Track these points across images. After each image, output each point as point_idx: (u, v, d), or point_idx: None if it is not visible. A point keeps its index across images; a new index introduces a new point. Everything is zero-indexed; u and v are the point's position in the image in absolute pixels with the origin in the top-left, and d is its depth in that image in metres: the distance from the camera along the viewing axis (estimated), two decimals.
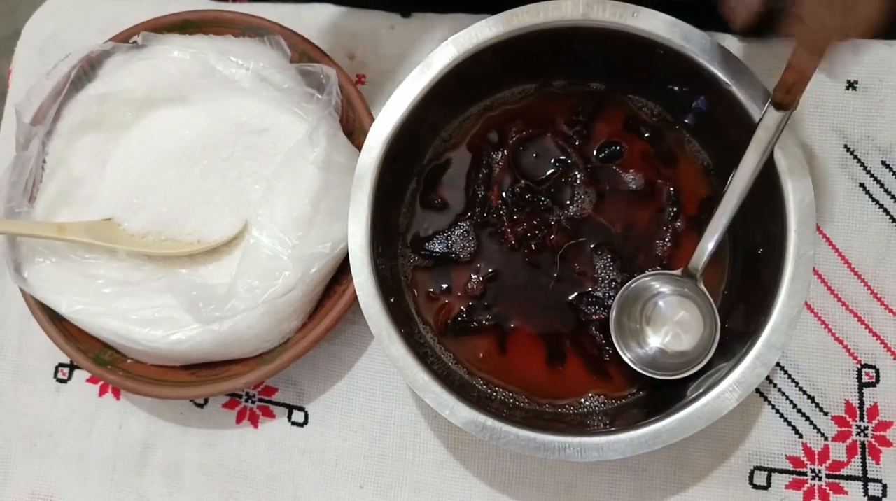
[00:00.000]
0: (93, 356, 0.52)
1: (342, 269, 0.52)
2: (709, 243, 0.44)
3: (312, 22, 0.60)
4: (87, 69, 0.53)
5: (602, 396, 0.48)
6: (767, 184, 0.44)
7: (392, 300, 0.47)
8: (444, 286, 0.51)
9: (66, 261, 0.51)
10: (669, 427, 0.42)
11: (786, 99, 0.41)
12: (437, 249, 0.51)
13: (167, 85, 0.52)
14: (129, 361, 0.52)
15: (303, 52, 0.54)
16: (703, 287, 0.46)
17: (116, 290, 0.50)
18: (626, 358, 0.47)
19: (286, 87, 0.52)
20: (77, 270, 0.51)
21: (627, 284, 0.48)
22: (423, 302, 0.51)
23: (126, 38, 0.54)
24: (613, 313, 0.47)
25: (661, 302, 0.47)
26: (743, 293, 0.47)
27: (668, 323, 0.47)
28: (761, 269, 0.45)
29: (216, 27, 0.55)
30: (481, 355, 0.50)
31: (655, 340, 0.47)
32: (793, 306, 0.42)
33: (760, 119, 0.42)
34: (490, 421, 0.43)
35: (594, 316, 0.49)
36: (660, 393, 0.47)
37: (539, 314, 0.50)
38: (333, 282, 0.52)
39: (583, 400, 0.48)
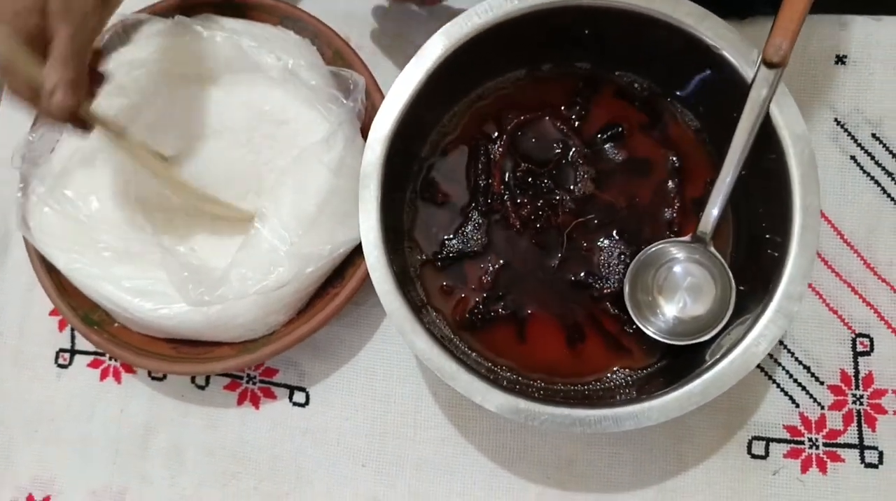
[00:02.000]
0: (82, 314, 0.52)
1: (338, 272, 0.52)
2: (715, 205, 0.45)
3: (306, 5, 0.60)
4: (121, 33, 0.53)
5: (626, 369, 0.49)
6: (766, 144, 0.44)
7: (408, 294, 0.47)
8: (457, 280, 0.51)
9: (72, 222, 0.52)
10: (701, 387, 0.42)
11: (776, 56, 0.42)
12: (451, 251, 0.51)
13: (197, 62, 0.53)
14: (116, 325, 0.53)
15: (336, 51, 0.54)
16: (713, 250, 0.47)
17: (116, 257, 0.51)
18: (646, 328, 0.47)
19: (313, 85, 0.52)
20: (81, 231, 0.52)
21: (639, 255, 0.48)
22: (437, 296, 0.51)
23: (163, 12, 0.54)
24: (627, 287, 0.48)
25: (671, 270, 0.48)
26: (751, 252, 0.48)
27: (679, 290, 0.48)
28: (768, 227, 0.46)
29: (255, 11, 0.55)
30: (502, 345, 0.50)
31: (670, 308, 0.48)
32: (806, 256, 0.43)
33: (753, 79, 0.43)
34: (524, 403, 0.43)
35: (606, 290, 0.49)
36: (680, 360, 0.47)
37: (553, 296, 0.50)
38: (327, 284, 0.52)
39: (607, 375, 0.49)
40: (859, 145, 0.54)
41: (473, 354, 0.50)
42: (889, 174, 0.53)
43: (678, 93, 0.51)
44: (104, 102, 0.50)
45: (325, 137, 0.49)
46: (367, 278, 0.49)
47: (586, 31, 0.49)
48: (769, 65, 0.42)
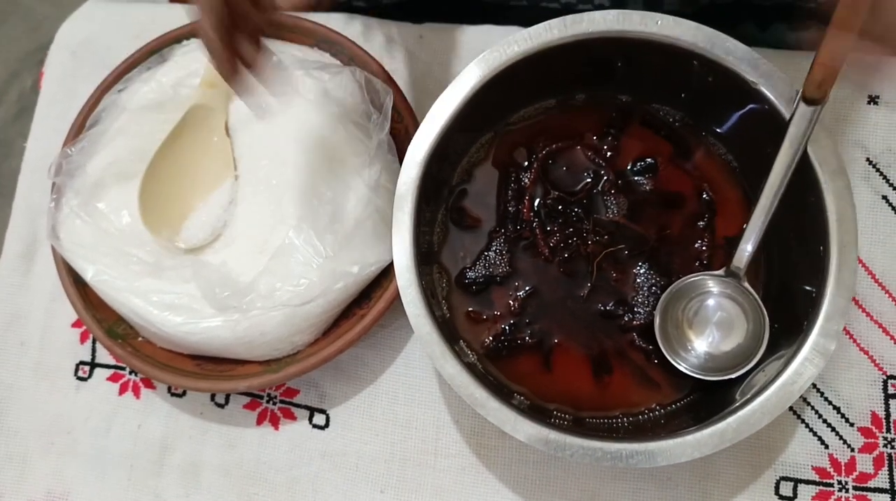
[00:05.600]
0: (106, 327, 0.52)
1: (365, 294, 0.52)
2: (750, 241, 0.45)
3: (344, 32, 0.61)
4: (165, 52, 0.55)
5: (654, 404, 0.48)
6: (802, 180, 0.44)
7: (438, 318, 0.46)
8: (484, 306, 0.50)
9: (103, 234, 0.52)
10: (735, 424, 0.41)
11: (816, 93, 0.42)
12: (479, 276, 0.50)
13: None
14: (140, 339, 0.53)
15: (372, 74, 0.54)
16: (747, 285, 0.46)
17: (145, 270, 0.51)
18: (676, 362, 0.47)
19: (348, 103, 0.53)
20: (111, 244, 0.52)
21: (671, 286, 0.48)
22: (463, 322, 0.50)
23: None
24: (657, 319, 0.47)
25: (703, 304, 0.47)
26: (783, 290, 0.48)
27: (709, 324, 0.47)
28: (802, 265, 0.46)
29: (292, 33, 0.56)
30: (527, 374, 0.49)
31: (700, 343, 0.47)
32: (843, 295, 0.42)
33: (792, 115, 0.43)
34: (554, 435, 0.42)
35: (635, 323, 0.49)
36: (709, 396, 0.47)
37: (580, 326, 0.50)
38: (354, 305, 0.52)
39: (633, 410, 0.48)
40: (891, 185, 0.54)
41: (499, 382, 0.49)
42: None
43: (713, 126, 0.51)
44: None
45: (366, 152, 0.50)
46: (393, 301, 0.49)
47: (622, 63, 0.50)
48: (809, 101, 0.42)
